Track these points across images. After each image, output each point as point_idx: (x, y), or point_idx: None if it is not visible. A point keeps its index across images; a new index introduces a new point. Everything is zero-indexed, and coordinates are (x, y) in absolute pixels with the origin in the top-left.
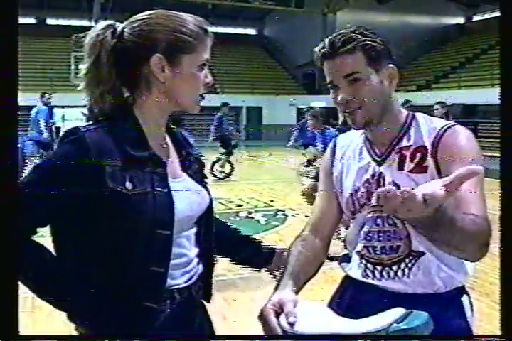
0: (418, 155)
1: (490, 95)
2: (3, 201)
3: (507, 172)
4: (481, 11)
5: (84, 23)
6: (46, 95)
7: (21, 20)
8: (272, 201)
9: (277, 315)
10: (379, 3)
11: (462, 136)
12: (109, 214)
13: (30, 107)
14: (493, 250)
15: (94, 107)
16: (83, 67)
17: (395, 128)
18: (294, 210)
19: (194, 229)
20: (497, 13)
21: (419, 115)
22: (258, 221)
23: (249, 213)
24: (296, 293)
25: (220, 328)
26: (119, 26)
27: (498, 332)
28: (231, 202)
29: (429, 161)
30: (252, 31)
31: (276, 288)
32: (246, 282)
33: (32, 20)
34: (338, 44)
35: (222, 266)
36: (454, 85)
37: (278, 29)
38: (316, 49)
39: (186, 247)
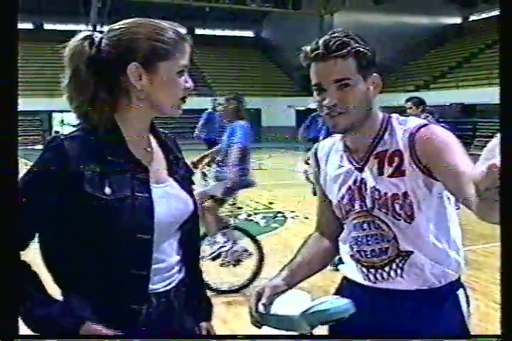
0: (396, 159)
1: (488, 94)
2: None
3: (507, 172)
4: (478, 11)
5: (82, 27)
6: None
7: (19, 26)
8: (271, 203)
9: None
10: (375, 4)
11: (435, 131)
12: (91, 219)
13: (28, 112)
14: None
15: (78, 115)
16: (64, 78)
17: (372, 133)
18: (293, 212)
19: (177, 236)
20: (494, 13)
21: (394, 117)
22: (257, 223)
23: (249, 216)
24: (292, 282)
25: (220, 332)
26: (97, 36)
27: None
28: (231, 204)
29: (408, 165)
30: (249, 33)
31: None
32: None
33: (29, 25)
34: (332, 47)
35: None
36: (452, 85)
37: (275, 31)
38: (308, 48)
39: (167, 253)
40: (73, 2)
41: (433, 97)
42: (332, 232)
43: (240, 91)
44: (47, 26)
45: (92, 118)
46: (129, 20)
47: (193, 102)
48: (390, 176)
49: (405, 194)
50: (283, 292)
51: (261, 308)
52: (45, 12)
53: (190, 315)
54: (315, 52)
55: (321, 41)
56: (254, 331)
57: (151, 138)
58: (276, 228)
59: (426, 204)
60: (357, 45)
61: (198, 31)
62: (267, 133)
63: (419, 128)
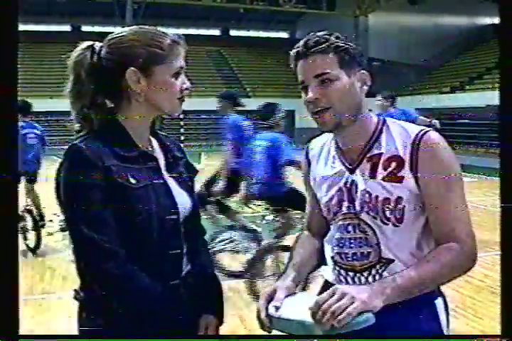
0: (393, 164)
1: None
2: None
3: (507, 172)
4: None
5: (118, 29)
6: None
7: (57, 28)
8: None
9: (270, 301)
10: (410, 4)
11: (439, 147)
12: (128, 207)
13: (66, 112)
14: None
15: (78, 120)
16: (68, 85)
17: (365, 135)
18: None
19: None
20: None
21: (390, 120)
22: None
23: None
24: (299, 282)
25: (238, 329)
26: (98, 46)
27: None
28: (258, 205)
29: (406, 173)
30: (284, 35)
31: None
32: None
33: (67, 28)
34: (311, 44)
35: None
36: (489, 87)
37: (310, 32)
38: (292, 50)
39: None
40: (109, 4)
41: (468, 99)
42: (323, 232)
43: (273, 92)
44: (84, 28)
45: (92, 123)
46: (126, 29)
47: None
48: (383, 180)
49: (398, 199)
50: (293, 294)
51: (272, 312)
52: (82, 14)
53: (198, 306)
54: (295, 51)
55: (301, 41)
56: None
57: (152, 139)
58: (301, 229)
59: (418, 211)
60: (337, 40)
61: (233, 32)
62: (301, 134)
63: (422, 136)
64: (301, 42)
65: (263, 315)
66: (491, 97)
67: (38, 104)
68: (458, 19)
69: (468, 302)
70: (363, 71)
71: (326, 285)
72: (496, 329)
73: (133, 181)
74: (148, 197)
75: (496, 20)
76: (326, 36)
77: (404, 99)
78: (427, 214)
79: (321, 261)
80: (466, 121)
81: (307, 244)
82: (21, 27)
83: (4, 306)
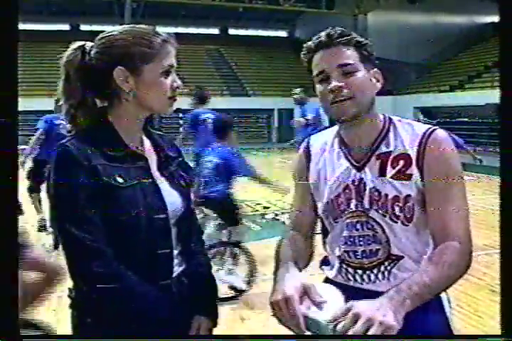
0: (401, 162)
1: None
2: (2, 203)
3: (507, 171)
4: None
5: (117, 28)
6: None
7: (56, 27)
8: None
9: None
10: (410, 2)
11: (446, 146)
12: (116, 207)
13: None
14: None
15: (67, 119)
16: (59, 85)
17: (373, 133)
18: None
19: (172, 231)
20: None
21: (395, 119)
22: (284, 223)
23: (276, 215)
24: None
25: (238, 330)
26: (89, 46)
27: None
28: (258, 204)
29: (414, 171)
30: (283, 33)
31: (276, 281)
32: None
33: (66, 27)
34: (335, 35)
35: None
36: (488, 85)
37: (309, 31)
38: (310, 42)
39: None
40: (108, 3)
41: (468, 97)
42: (310, 232)
43: (272, 91)
44: (83, 27)
45: (80, 121)
46: (116, 28)
47: (228, 102)
48: (392, 178)
49: (407, 197)
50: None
51: (314, 316)
52: (81, 13)
53: (191, 307)
54: (318, 40)
55: (323, 33)
56: (272, 331)
57: (144, 138)
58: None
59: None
60: (356, 36)
61: (232, 31)
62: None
63: (429, 134)
64: (323, 34)
65: (300, 320)
66: (491, 96)
67: (38, 103)
68: (457, 18)
69: (468, 301)
70: (375, 69)
71: (328, 283)
72: (496, 327)
73: (120, 180)
74: (135, 196)
75: (496, 18)
76: (347, 31)
77: (403, 98)
78: (428, 212)
79: (310, 260)
80: (466, 119)
81: (294, 245)
82: (20, 26)
83: (4, 306)
